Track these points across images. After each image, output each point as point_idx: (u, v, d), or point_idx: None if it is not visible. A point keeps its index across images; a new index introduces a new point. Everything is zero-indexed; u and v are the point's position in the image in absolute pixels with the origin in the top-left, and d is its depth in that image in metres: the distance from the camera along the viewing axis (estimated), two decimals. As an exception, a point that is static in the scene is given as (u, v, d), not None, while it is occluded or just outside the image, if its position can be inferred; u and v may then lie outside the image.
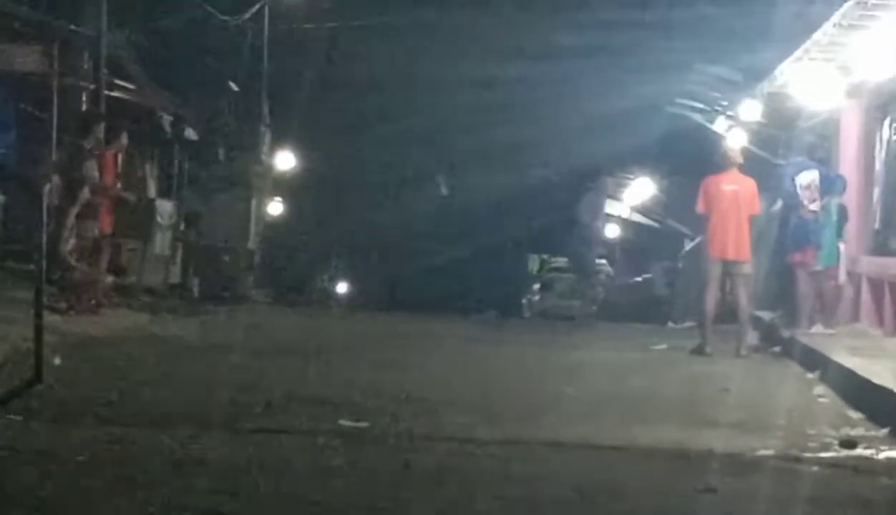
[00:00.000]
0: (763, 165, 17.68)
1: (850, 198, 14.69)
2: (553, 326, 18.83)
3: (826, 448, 6.75)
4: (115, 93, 17.02)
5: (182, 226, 19.47)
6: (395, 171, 30.74)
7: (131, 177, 15.33)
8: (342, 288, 31.32)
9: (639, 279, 31.75)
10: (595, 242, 18.78)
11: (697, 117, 22.24)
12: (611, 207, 34.23)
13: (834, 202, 14.03)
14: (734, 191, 12.68)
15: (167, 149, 20.53)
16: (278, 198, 26.09)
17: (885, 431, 7.24)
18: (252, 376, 8.92)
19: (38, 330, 7.84)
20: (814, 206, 13.83)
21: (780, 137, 18.82)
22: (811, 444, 6.83)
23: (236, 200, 22.78)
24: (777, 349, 12.94)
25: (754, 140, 18.80)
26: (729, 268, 12.70)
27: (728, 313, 13.45)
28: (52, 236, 11.51)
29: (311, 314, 19.38)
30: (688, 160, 21.48)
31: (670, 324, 20.47)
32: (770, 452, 6.55)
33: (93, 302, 12.81)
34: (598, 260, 23.13)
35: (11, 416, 6.70)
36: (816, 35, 13.40)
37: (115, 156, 13.92)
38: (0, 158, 15.86)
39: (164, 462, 5.67)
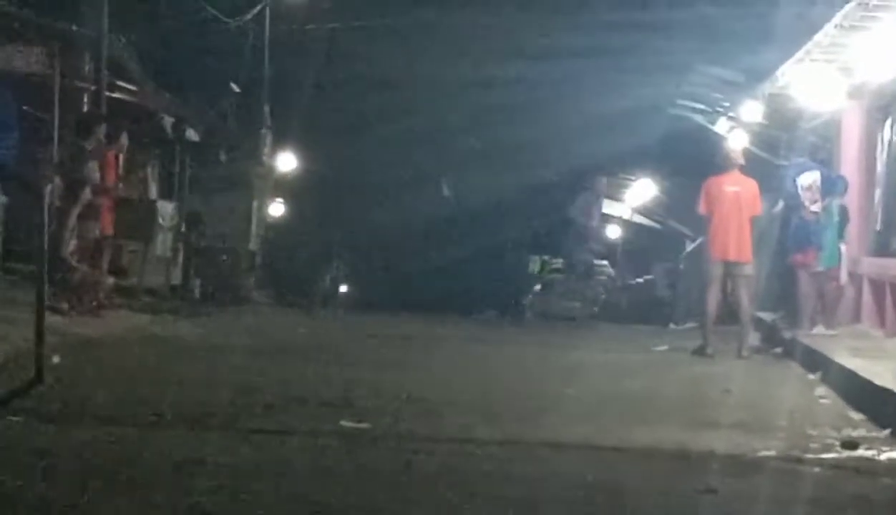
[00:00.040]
0: (764, 166, 17.68)
1: (852, 199, 14.69)
2: (554, 327, 18.83)
3: (827, 449, 6.75)
4: (116, 95, 17.01)
5: (183, 228, 19.46)
6: (397, 172, 30.73)
7: (132, 178, 15.34)
8: (343, 288, 31.32)
9: (640, 280, 31.73)
10: (591, 242, 18.70)
11: (699, 118, 22.22)
12: (611, 208, 34.30)
13: (835, 203, 14.03)
14: (736, 192, 12.68)
15: (168, 150, 20.53)
16: (279, 199, 26.09)
17: (886, 432, 7.24)
18: (253, 377, 8.92)
19: (39, 330, 7.84)
20: (815, 207, 13.84)
21: (782, 138, 18.82)
22: (812, 445, 6.82)
23: (237, 201, 22.78)
24: (778, 350, 12.94)
25: (756, 141, 18.80)
26: (730, 269, 12.69)
27: (729, 314, 13.45)
28: (54, 237, 11.51)
29: (312, 315, 19.39)
30: (689, 161, 21.44)
31: (672, 325, 20.46)
32: (771, 453, 6.55)
33: (94, 303, 12.81)
34: (597, 262, 23.11)
35: (12, 417, 6.70)
36: (818, 36, 13.39)
37: (117, 157, 13.92)
38: (1, 159, 15.86)
39: (164, 462, 5.67)
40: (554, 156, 29.76)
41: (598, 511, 5.17)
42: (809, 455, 6.52)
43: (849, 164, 15.63)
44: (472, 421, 7.22)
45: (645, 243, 35.03)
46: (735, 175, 12.81)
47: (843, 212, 14.18)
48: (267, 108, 25.00)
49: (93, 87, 16.19)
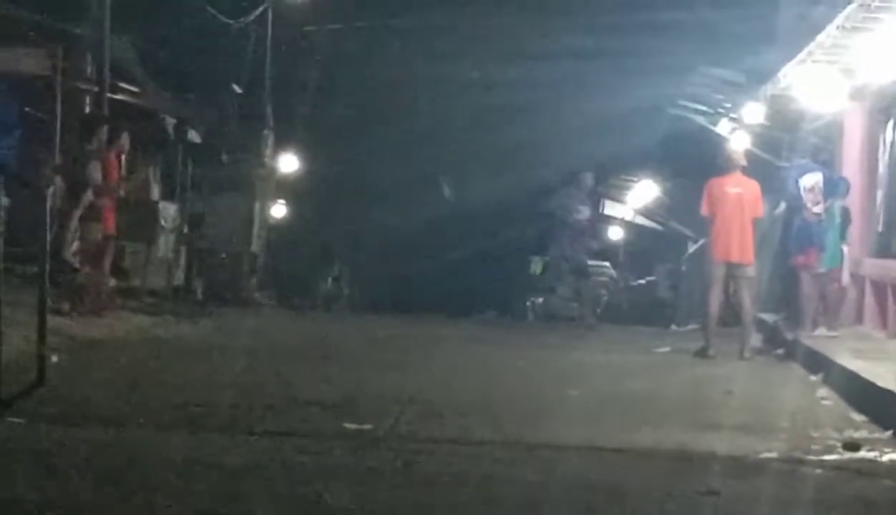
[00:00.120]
0: (766, 168, 17.67)
1: (854, 201, 14.68)
2: (555, 328, 18.81)
3: (829, 450, 6.75)
4: (118, 96, 17.01)
5: (185, 229, 19.45)
6: (398, 173, 30.70)
7: (134, 179, 15.33)
8: (345, 289, 31.31)
9: (642, 281, 31.73)
10: (586, 239, 18.49)
11: (701, 119, 22.21)
12: (612, 209, 34.30)
13: (837, 204, 14.02)
14: (738, 193, 12.67)
15: (170, 151, 20.51)
16: (281, 201, 26.07)
17: (888, 433, 7.23)
18: (254, 378, 8.93)
19: (41, 332, 7.84)
20: (817, 209, 13.82)
21: (784, 140, 18.80)
22: (814, 447, 6.82)
23: (239, 203, 22.74)
24: (780, 351, 12.93)
25: (758, 142, 18.79)
26: (732, 271, 12.68)
27: (731, 315, 13.44)
28: (56, 238, 11.51)
29: (314, 316, 19.38)
30: (691, 162, 21.45)
31: (673, 327, 20.44)
32: (773, 454, 6.55)
33: (96, 304, 12.81)
34: (593, 262, 22.88)
35: (14, 418, 6.70)
36: (820, 37, 13.38)
37: (119, 158, 13.92)
38: (3, 160, 15.86)
39: (165, 463, 5.67)
40: (555, 156, 29.72)
41: (599, 513, 5.17)
42: (811, 457, 6.52)
43: (851, 166, 15.62)
44: (473, 423, 7.23)
45: (647, 244, 35.02)
46: (737, 176, 12.80)
47: (845, 214, 14.18)
48: (269, 109, 24.98)
49: (95, 89, 16.19)
